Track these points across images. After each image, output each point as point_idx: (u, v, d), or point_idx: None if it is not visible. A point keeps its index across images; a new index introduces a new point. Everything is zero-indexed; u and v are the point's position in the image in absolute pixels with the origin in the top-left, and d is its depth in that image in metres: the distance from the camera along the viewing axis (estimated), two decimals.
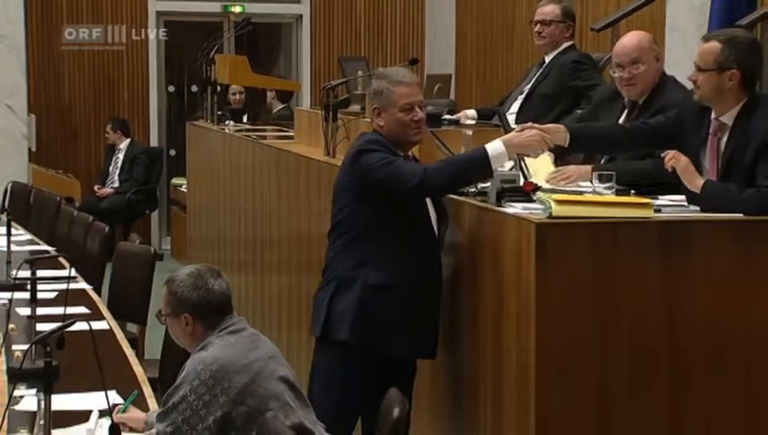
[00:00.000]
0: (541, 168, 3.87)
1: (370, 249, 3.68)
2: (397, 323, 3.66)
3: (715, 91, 3.50)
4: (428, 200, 3.75)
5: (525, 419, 3.25)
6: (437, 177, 3.59)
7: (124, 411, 3.20)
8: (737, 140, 3.47)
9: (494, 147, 3.59)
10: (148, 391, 3.51)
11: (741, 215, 3.35)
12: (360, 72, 5.98)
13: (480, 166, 3.57)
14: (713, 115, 3.57)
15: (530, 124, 3.74)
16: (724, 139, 3.53)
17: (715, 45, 3.52)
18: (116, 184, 9.84)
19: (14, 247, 5.04)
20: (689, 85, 4.10)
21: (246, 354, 3.15)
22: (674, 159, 3.49)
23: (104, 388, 2.87)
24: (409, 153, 3.88)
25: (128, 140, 9.94)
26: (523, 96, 5.27)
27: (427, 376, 3.98)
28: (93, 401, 3.20)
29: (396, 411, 2.99)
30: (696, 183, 3.45)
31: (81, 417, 3.15)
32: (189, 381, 3.05)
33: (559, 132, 3.74)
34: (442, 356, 3.84)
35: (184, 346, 3.28)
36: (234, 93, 9.30)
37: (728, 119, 3.52)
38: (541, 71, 5.29)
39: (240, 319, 3.28)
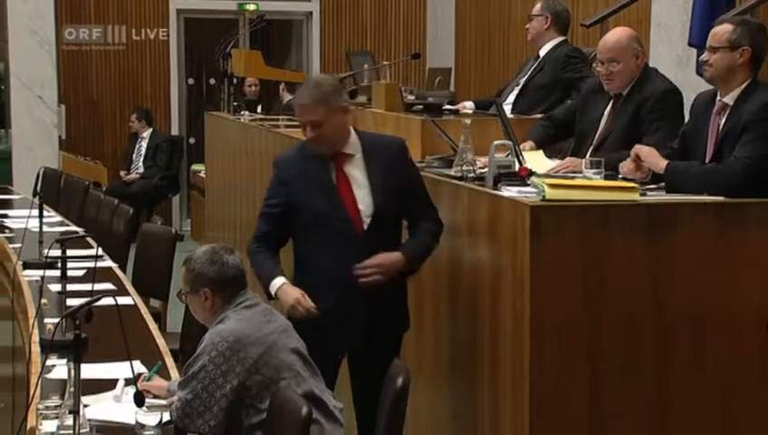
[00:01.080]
0: (536, 162, 3.86)
1: (295, 255, 3.69)
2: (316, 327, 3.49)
3: (728, 68, 3.49)
4: (363, 193, 3.58)
5: (521, 388, 3.24)
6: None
7: (149, 380, 3.20)
8: (733, 119, 3.47)
9: (274, 284, 3.52)
10: (170, 361, 3.51)
11: (723, 198, 3.34)
12: (366, 66, 5.97)
13: (264, 284, 3.56)
14: (718, 97, 3.56)
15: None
16: (724, 119, 3.52)
17: (727, 26, 3.53)
18: (141, 170, 9.85)
19: (45, 228, 5.04)
20: (673, 77, 4.10)
21: (261, 328, 3.15)
22: (636, 149, 3.50)
23: (129, 358, 2.88)
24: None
25: (150, 129, 9.94)
26: (519, 88, 5.25)
27: (429, 348, 3.98)
28: (119, 370, 3.20)
29: (399, 380, 2.99)
30: (659, 165, 3.46)
31: (108, 385, 3.15)
32: (208, 353, 3.05)
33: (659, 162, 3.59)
34: (443, 330, 3.84)
35: (203, 322, 3.28)
36: (249, 85, 9.29)
37: (730, 99, 3.51)
38: (536, 64, 5.28)
39: (254, 295, 3.28)
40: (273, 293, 3.54)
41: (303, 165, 3.62)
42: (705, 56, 3.56)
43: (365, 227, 3.55)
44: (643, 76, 4.05)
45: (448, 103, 5.18)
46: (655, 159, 3.48)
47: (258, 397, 3.08)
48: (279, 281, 3.53)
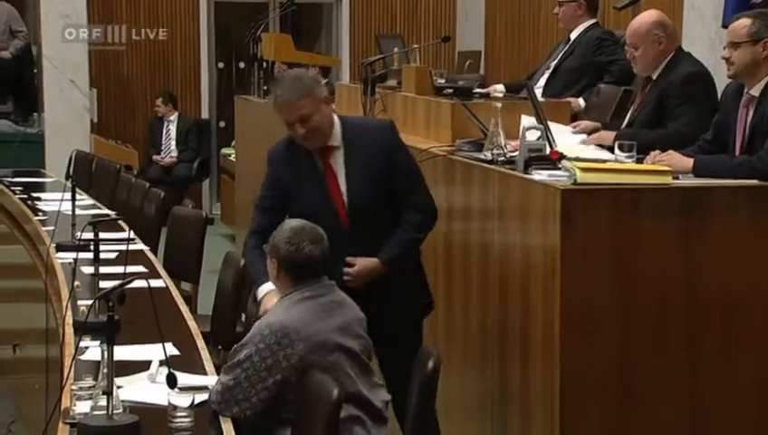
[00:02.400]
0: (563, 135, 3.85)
1: None
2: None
3: (751, 62, 3.47)
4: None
5: (551, 373, 3.23)
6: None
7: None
8: (760, 111, 3.43)
9: (261, 290, 3.48)
10: (201, 343, 3.53)
11: (757, 181, 3.31)
12: (395, 49, 5.95)
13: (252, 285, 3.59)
14: (745, 89, 3.53)
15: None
16: (752, 111, 3.48)
17: (745, 21, 3.51)
18: (174, 154, 9.90)
19: (77, 211, 5.06)
20: (705, 60, 4.06)
21: (313, 323, 3.07)
22: (657, 159, 3.47)
23: (162, 340, 2.89)
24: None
25: (176, 113, 9.99)
26: (550, 71, 5.23)
27: (460, 333, 3.98)
28: (151, 352, 3.21)
29: (429, 364, 2.99)
30: (686, 165, 3.43)
31: (140, 366, 3.17)
32: (255, 343, 3.02)
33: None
34: (473, 315, 3.84)
35: (274, 285, 3.30)
36: (281, 69, 9.30)
37: (756, 91, 3.48)
38: (567, 47, 5.25)
39: (324, 285, 3.19)
40: (258, 297, 3.50)
41: (293, 159, 3.61)
42: (725, 53, 3.53)
43: (350, 220, 3.53)
44: (674, 60, 4.02)
45: (478, 87, 5.15)
46: (679, 162, 3.44)
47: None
48: (266, 287, 3.44)
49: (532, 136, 3.60)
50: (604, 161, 3.55)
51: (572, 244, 3.16)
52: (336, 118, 3.62)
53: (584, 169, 3.25)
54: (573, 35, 5.22)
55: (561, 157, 3.50)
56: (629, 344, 3.20)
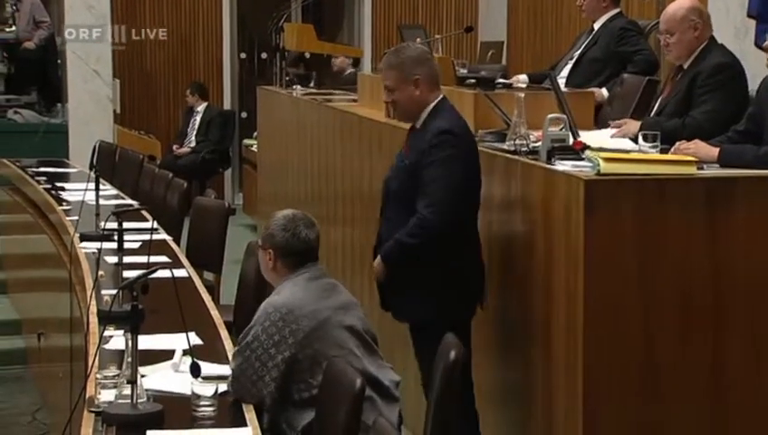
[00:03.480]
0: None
1: None
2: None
3: None
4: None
5: (574, 365, 3.22)
6: None
7: None
8: None
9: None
10: (224, 333, 3.54)
11: None
12: (418, 40, 5.92)
13: None
14: None
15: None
16: None
17: None
18: (193, 144, 9.92)
19: (101, 201, 5.08)
20: (731, 49, 4.03)
21: (316, 301, 3.16)
22: (682, 147, 3.44)
23: (185, 330, 2.91)
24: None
25: (205, 104, 10.00)
26: (573, 61, 5.20)
27: (483, 324, 3.97)
28: (174, 341, 3.23)
29: (452, 355, 2.99)
30: (712, 154, 3.40)
31: (163, 356, 3.18)
32: (261, 323, 3.08)
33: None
34: (496, 306, 3.82)
35: (266, 277, 3.34)
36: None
37: None
38: (590, 37, 5.22)
39: (320, 268, 3.28)
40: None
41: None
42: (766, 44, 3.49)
43: (382, 203, 3.74)
44: (705, 50, 3.98)
45: (501, 77, 5.13)
46: (705, 152, 3.41)
47: (309, 371, 3.10)
48: None
49: (555, 126, 3.58)
50: (628, 151, 3.53)
51: (596, 235, 3.15)
52: (433, 104, 3.62)
53: (608, 160, 3.24)
54: (597, 25, 5.19)
55: (585, 147, 3.48)
56: (653, 337, 3.18)
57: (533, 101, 3.98)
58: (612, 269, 3.16)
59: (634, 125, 3.93)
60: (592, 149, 3.47)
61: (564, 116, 3.66)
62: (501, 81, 4.99)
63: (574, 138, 3.56)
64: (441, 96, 3.68)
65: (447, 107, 3.68)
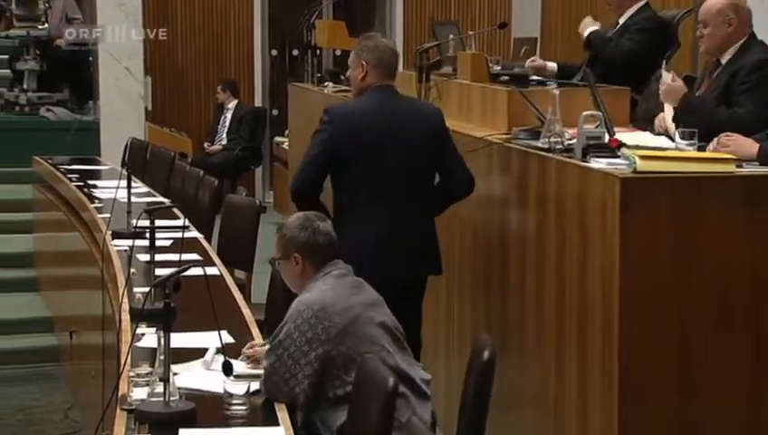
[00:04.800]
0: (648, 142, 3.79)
1: None
2: None
3: None
4: None
5: (609, 366, 3.21)
6: None
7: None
8: None
9: None
10: (255, 332, 3.56)
11: None
12: (451, 36, 5.91)
13: None
14: None
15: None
16: None
17: None
18: (224, 141, 9.97)
19: (133, 199, 5.12)
20: None
21: (347, 298, 3.17)
22: (722, 146, 3.42)
23: (218, 328, 2.92)
24: None
25: (236, 101, 10.04)
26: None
27: (514, 322, 3.96)
28: (206, 339, 3.25)
29: (485, 355, 2.98)
30: (751, 151, 3.37)
31: (195, 354, 3.20)
32: (293, 320, 3.09)
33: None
34: (530, 305, 3.82)
35: (295, 289, 3.31)
36: None
37: None
38: (615, 31, 5.22)
39: (345, 266, 3.30)
40: None
41: None
42: None
43: None
44: (745, 46, 3.96)
45: (535, 74, 5.12)
46: (746, 149, 3.38)
47: (344, 368, 3.10)
48: None
49: (591, 123, 3.57)
50: (664, 149, 3.51)
51: (632, 234, 3.13)
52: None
53: (644, 157, 3.22)
54: (621, 20, 5.19)
55: (621, 144, 3.47)
56: (691, 338, 3.16)
57: (568, 98, 3.97)
58: (649, 269, 3.14)
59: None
60: (628, 147, 3.45)
61: (600, 113, 3.64)
62: (535, 77, 4.98)
63: (610, 135, 3.54)
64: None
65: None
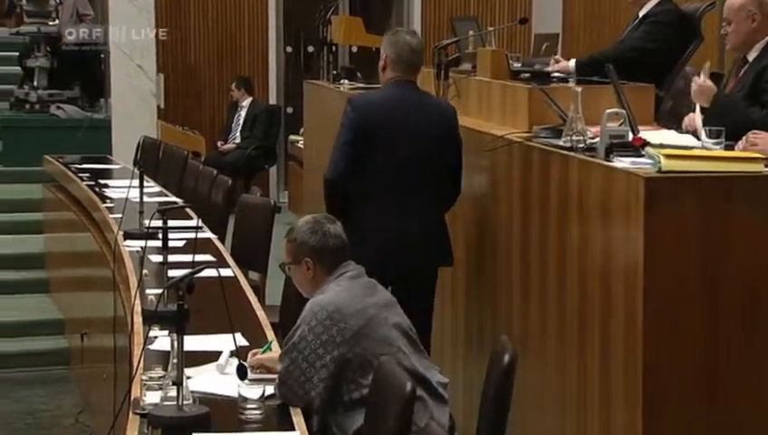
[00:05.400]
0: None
1: None
2: None
3: None
4: None
5: (633, 370, 3.20)
6: None
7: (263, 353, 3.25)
8: None
9: None
10: (270, 334, 3.56)
11: None
12: (470, 32, 5.90)
13: None
14: None
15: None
16: None
17: None
18: (238, 140, 9.98)
19: (145, 199, 5.13)
20: None
21: (362, 299, 3.17)
22: (751, 144, 3.42)
23: (232, 331, 2.93)
24: None
25: (250, 99, 10.06)
26: None
27: (536, 325, 3.95)
28: (220, 342, 3.25)
29: (506, 358, 2.98)
30: None
31: (209, 357, 3.20)
32: (307, 322, 3.09)
33: None
34: (551, 307, 3.81)
35: (306, 294, 3.31)
36: None
37: None
38: (633, 24, 5.21)
39: (357, 267, 3.30)
40: None
41: None
42: None
43: None
44: None
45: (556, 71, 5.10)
46: None
47: (360, 371, 3.10)
48: None
49: (614, 121, 3.56)
50: (690, 148, 3.49)
51: (657, 235, 3.12)
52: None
53: (669, 157, 3.21)
54: (641, 13, 5.17)
55: (645, 143, 3.45)
56: (717, 342, 3.15)
57: (591, 95, 3.96)
58: (674, 271, 3.13)
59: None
60: (653, 146, 3.44)
61: (623, 111, 3.63)
62: (556, 74, 4.96)
63: (634, 133, 3.53)
64: None
65: None
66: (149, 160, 7.11)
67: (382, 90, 4.42)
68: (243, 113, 10.01)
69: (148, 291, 3.94)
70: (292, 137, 10.19)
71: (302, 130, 9.24)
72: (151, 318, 3.34)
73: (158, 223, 4.07)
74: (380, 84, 4.48)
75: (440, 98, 5.10)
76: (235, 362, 2.90)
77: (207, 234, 5.10)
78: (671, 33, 5.04)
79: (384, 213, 4.19)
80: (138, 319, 3.61)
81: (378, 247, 4.08)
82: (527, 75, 4.82)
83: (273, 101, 10.52)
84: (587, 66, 4.99)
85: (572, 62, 5.18)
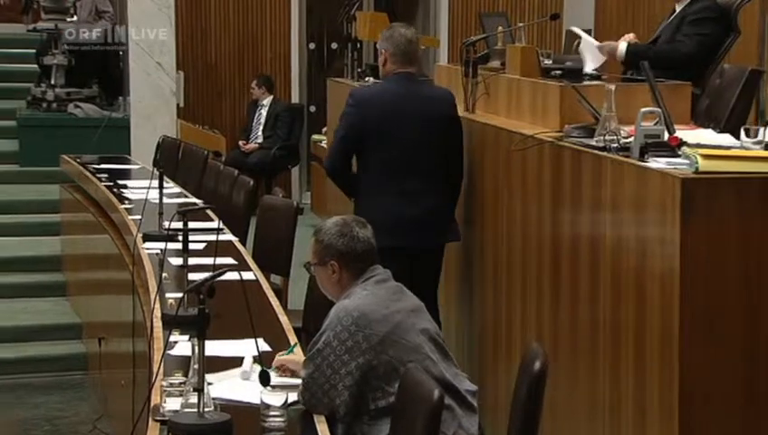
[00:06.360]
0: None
1: None
2: None
3: None
4: None
5: (669, 378, 3.18)
6: None
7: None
8: None
9: None
10: (293, 339, 3.57)
11: None
12: (499, 28, 5.90)
13: None
14: None
15: None
16: None
17: None
18: (260, 139, 10.01)
19: (165, 200, 5.13)
20: None
21: (388, 305, 3.17)
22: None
23: (255, 336, 2.93)
24: None
25: (271, 97, 10.09)
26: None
27: (567, 330, 3.94)
28: (241, 348, 3.26)
29: (536, 365, 2.97)
30: None
31: (230, 363, 3.21)
32: (332, 328, 3.09)
33: None
34: (583, 313, 3.80)
35: (330, 296, 3.32)
36: None
37: None
38: (670, 20, 5.18)
39: (385, 271, 3.30)
40: None
41: None
42: None
43: None
44: None
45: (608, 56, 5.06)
46: None
47: (386, 378, 3.10)
48: None
49: (649, 121, 3.55)
50: (728, 148, 3.48)
51: (694, 238, 3.11)
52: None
53: (707, 157, 3.19)
54: (678, 7, 5.13)
55: (681, 143, 3.44)
56: (757, 347, 3.13)
57: (625, 93, 3.94)
58: (712, 274, 3.11)
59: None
60: (689, 146, 3.42)
61: (659, 109, 3.61)
62: (589, 71, 4.94)
63: (670, 133, 3.51)
64: None
65: None
66: (169, 160, 7.14)
67: (383, 82, 4.85)
68: (263, 112, 10.04)
69: (167, 295, 3.95)
70: (314, 136, 10.20)
71: (324, 129, 9.26)
72: (171, 323, 3.35)
73: (179, 225, 4.09)
74: (382, 78, 4.90)
75: (468, 96, 5.11)
76: (257, 368, 2.90)
77: (228, 236, 5.11)
78: (718, 29, 5.01)
79: (386, 197, 4.66)
80: (157, 323, 3.62)
81: (380, 229, 4.26)
82: (558, 73, 4.81)
83: (295, 99, 10.54)
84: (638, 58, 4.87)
85: (623, 46, 5.08)
